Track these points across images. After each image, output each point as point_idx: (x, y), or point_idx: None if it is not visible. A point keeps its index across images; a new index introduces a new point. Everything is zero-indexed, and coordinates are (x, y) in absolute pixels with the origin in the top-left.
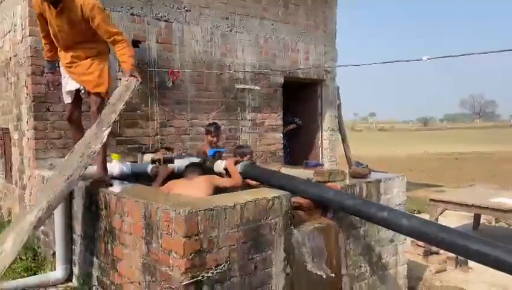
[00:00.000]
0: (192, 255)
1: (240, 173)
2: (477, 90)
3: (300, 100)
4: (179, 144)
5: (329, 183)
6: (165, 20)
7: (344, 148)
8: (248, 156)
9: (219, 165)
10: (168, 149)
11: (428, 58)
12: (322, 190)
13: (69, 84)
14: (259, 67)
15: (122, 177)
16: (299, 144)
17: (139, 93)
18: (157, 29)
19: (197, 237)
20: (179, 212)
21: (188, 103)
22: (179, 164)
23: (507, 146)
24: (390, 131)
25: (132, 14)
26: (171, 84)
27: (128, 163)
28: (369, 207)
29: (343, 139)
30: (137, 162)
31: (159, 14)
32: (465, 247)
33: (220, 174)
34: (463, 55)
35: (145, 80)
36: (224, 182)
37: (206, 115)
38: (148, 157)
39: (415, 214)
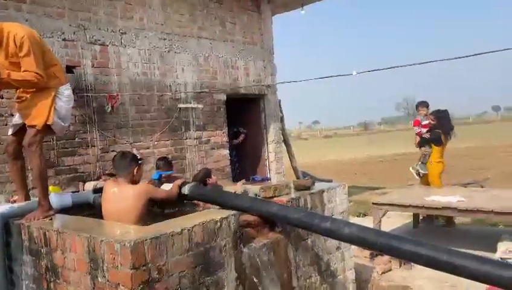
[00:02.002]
0: (141, 286)
1: (186, 194)
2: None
3: (246, 113)
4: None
5: (275, 198)
6: (100, 44)
7: (290, 159)
8: (210, 180)
9: (166, 187)
10: (111, 175)
11: (357, 73)
12: (267, 206)
13: (15, 117)
14: (200, 85)
15: (64, 210)
16: (246, 158)
17: (77, 120)
18: (92, 53)
19: (144, 268)
20: (124, 244)
21: (129, 126)
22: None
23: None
24: (334, 137)
25: (64, 40)
26: (110, 108)
27: (68, 194)
28: (312, 219)
29: (289, 151)
30: (79, 191)
31: (93, 38)
32: (399, 249)
33: None
34: (389, 68)
35: (83, 106)
36: (162, 193)
37: (149, 137)
38: (90, 185)
39: (360, 218)
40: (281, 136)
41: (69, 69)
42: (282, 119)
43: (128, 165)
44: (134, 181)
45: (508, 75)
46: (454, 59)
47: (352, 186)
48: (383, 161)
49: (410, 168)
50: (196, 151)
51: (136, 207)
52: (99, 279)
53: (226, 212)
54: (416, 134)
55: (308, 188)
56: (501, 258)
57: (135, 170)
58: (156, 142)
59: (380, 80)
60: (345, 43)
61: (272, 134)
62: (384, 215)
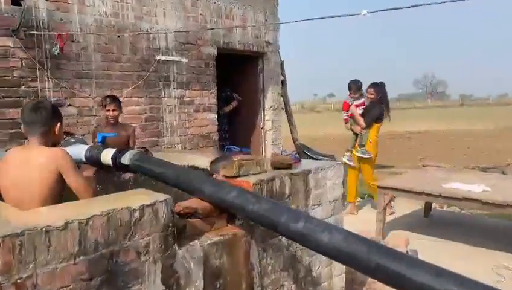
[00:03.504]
0: None
1: (127, 165)
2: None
3: (240, 75)
4: (82, 128)
5: (239, 179)
6: None
7: (290, 130)
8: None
9: (106, 155)
10: (68, 134)
11: (368, 12)
12: (221, 190)
13: None
14: (185, 35)
15: None
16: (238, 125)
17: (23, 64)
18: None
19: None
20: None
21: (93, 77)
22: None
23: (458, 124)
24: None
25: None
26: (58, 51)
27: None
28: (278, 214)
29: (289, 120)
30: None
31: None
32: (409, 280)
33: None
34: (408, 7)
35: (32, 47)
36: (74, 174)
37: (118, 91)
38: None
39: (362, 203)
40: (281, 103)
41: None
42: (283, 83)
43: (45, 121)
44: (53, 143)
45: None
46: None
47: None
48: (394, 138)
49: (342, 158)
50: (177, 113)
51: (42, 181)
52: None
53: (155, 196)
54: (345, 120)
55: (288, 166)
56: None
57: (56, 128)
58: (126, 99)
59: (399, 55)
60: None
61: (270, 99)
62: (390, 201)
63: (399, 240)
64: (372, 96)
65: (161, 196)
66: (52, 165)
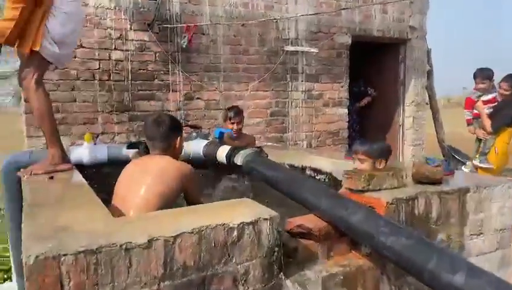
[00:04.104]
0: None
1: (240, 165)
2: None
3: (375, 66)
4: (208, 121)
5: (368, 194)
6: None
7: (436, 128)
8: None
9: (222, 152)
10: (194, 127)
11: None
12: (342, 207)
13: None
14: (317, 23)
15: (95, 164)
16: (372, 123)
17: (157, 58)
18: None
19: None
20: (28, 258)
21: (221, 70)
22: (194, 147)
23: None
24: None
25: None
26: (186, 43)
27: (104, 146)
28: (423, 256)
29: (435, 117)
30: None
31: None
32: None
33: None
34: None
35: (165, 41)
36: (195, 195)
37: (244, 84)
38: None
39: None
40: (426, 97)
41: None
42: (429, 75)
43: (166, 136)
44: (175, 157)
45: None
46: None
47: None
48: None
49: (463, 168)
50: (303, 108)
51: (158, 187)
52: None
53: (258, 211)
54: (468, 121)
55: (437, 181)
56: None
57: (177, 143)
58: (252, 92)
59: None
60: None
61: (413, 93)
62: None
63: None
64: (507, 93)
65: (266, 212)
66: (177, 176)
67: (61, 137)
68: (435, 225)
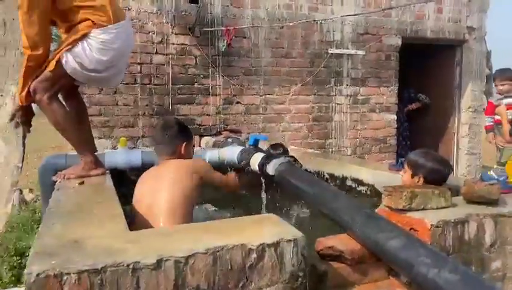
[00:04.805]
0: None
1: (272, 175)
2: None
3: (428, 69)
4: (249, 126)
5: (410, 214)
6: None
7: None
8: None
9: (256, 160)
10: (234, 131)
11: None
12: (378, 230)
13: None
14: (365, 24)
15: (131, 169)
16: (423, 129)
17: (198, 62)
18: None
19: None
20: (29, 275)
21: (262, 74)
22: (211, 155)
23: None
24: None
25: None
26: (225, 46)
27: (138, 150)
28: None
29: None
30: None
31: None
32: None
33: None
34: None
35: (206, 45)
36: (219, 177)
37: (285, 88)
38: (206, 141)
39: None
40: (484, 103)
41: None
42: (489, 79)
43: (171, 140)
44: None
45: None
46: None
47: None
48: None
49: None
50: (348, 113)
51: (182, 183)
52: None
53: (282, 231)
54: (486, 128)
55: (492, 201)
56: None
57: (182, 148)
58: (293, 96)
59: None
60: None
61: (469, 98)
62: None
63: None
64: None
65: (290, 232)
66: (193, 173)
67: (103, 140)
68: (489, 252)
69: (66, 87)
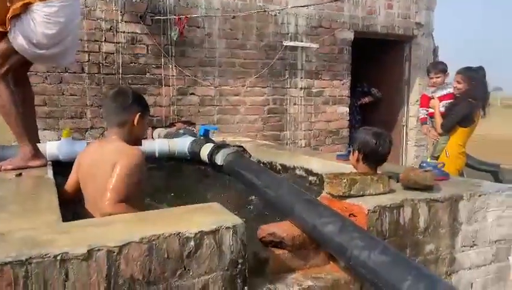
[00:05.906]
0: None
1: (221, 165)
2: None
3: (378, 64)
4: (203, 118)
5: (349, 201)
6: None
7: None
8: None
9: (205, 150)
10: (188, 123)
11: None
12: (316, 216)
13: None
14: (318, 17)
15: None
16: (375, 122)
17: (149, 51)
18: None
19: None
20: None
21: (217, 65)
22: (161, 145)
23: None
24: None
25: None
26: (177, 35)
27: (83, 142)
28: (399, 275)
29: None
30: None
31: None
32: None
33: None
34: None
35: (158, 34)
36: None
37: (241, 80)
38: (158, 132)
39: None
40: None
41: None
42: None
43: (122, 110)
44: (132, 138)
45: None
46: None
47: None
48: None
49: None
50: (302, 105)
51: (122, 181)
52: None
53: (222, 218)
54: (421, 120)
55: (427, 187)
56: None
57: (136, 118)
58: (248, 88)
59: None
60: None
61: (417, 92)
62: None
63: None
64: (461, 86)
65: (230, 220)
66: (135, 169)
67: (48, 131)
68: (423, 235)
69: (16, 68)
